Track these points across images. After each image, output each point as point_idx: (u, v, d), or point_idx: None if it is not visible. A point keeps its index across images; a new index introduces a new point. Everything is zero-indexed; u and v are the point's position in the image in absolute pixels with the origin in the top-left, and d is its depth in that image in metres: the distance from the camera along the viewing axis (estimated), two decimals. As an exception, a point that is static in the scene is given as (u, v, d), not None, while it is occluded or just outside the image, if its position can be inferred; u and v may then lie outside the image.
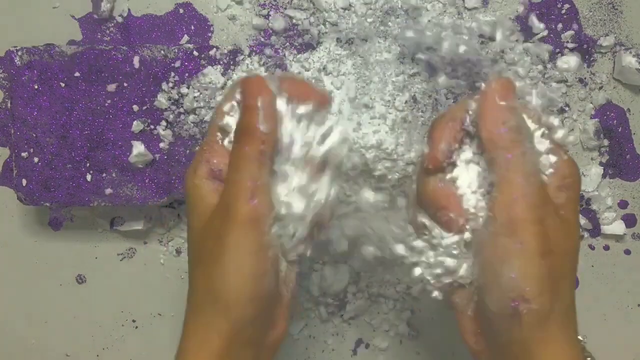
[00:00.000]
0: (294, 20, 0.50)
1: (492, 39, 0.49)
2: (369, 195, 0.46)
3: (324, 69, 0.48)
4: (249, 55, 0.49)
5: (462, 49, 0.47)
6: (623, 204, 0.54)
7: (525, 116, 0.34)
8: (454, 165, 0.35)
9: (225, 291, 0.33)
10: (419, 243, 0.36)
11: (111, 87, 0.49)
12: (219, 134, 0.36)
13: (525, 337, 0.32)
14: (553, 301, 0.31)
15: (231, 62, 0.48)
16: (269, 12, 0.51)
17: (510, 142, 0.32)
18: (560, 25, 0.51)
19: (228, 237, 0.33)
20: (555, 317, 0.32)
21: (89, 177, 0.49)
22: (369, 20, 0.49)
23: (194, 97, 0.49)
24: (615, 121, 0.53)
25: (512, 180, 0.32)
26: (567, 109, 0.51)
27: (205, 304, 0.34)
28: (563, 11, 0.51)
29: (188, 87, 0.49)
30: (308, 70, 0.48)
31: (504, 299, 0.31)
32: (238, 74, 0.48)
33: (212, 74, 0.48)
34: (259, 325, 0.34)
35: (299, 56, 0.49)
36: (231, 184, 0.33)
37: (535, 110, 0.35)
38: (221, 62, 0.48)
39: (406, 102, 0.49)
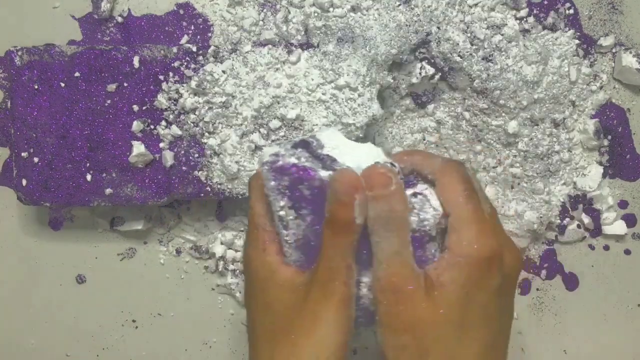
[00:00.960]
0: (293, 20, 0.50)
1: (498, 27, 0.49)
2: None
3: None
4: (249, 54, 0.49)
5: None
6: (623, 204, 0.54)
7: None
8: None
9: (318, 357, 0.36)
10: None
11: (111, 87, 0.49)
12: (263, 220, 0.40)
13: None
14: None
15: (232, 61, 0.49)
16: (268, 11, 0.51)
17: (372, 229, 0.36)
18: (560, 25, 0.51)
19: (325, 313, 0.36)
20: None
21: (89, 177, 0.49)
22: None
23: (194, 98, 0.49)
24: (615, 121, 0.53)
25: (373, 262, 0.37)
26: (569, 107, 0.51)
27: None
28: (563, 11, 0.51)
29: (188, 87, 0.49)
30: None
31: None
32: (238, 72, 0.48)
33: (213, 73, 0.48)
34: None
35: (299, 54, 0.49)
36: (327, 270, 0.37)
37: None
38: (221, 62, 0.48)
39: None
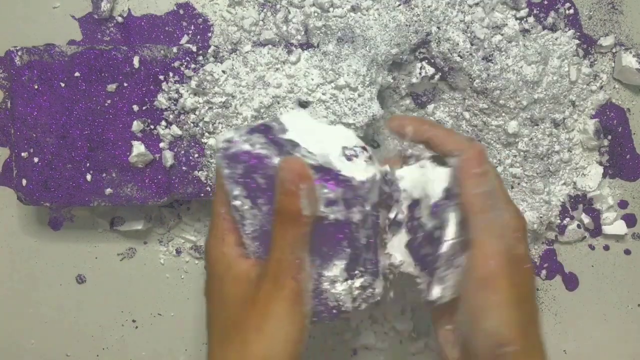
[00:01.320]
0: (293, 20, 0.50)
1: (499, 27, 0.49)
2: None
3: None
4: (249, 54, 0.49)
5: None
6: (623, 204, 0.54)
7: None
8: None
9: (269, 355, 0.36)
10: None
11: (111, 87, 0.49)
12: (223, 209, 0.39)
13: None
14: (530, 341, 0.36)
15: (232, 61, 0.49)
16: (268, 11, 0.51)
17: (485, 206, 0.36)
18: (560, 25, 0.51)
19: (275, 308, 0.36)
20: (533, 354, 0.36)
21: (89, 177, 0.49)
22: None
23: (194, 98, 0.49)
24: (615, 121, 0.53)
25: (486, 241, 0.36)
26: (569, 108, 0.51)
27: None
28: (563, 11, 0.51)
29: (188, 87, 0.49)
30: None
31: (488, 344, 0.36)
32: (238, 72, 0.48)
33: (213, 73, 0.48)
34: None
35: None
36: (276, 262, 0.36)
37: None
38: (221, 62, 0.48)
39: None
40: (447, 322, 0.40)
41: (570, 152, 0.52)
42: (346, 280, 0.38)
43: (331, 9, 0.49)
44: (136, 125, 0.49)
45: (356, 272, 0.38)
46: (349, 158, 0.38)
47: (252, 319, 0.36)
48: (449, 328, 0.40)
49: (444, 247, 0.38)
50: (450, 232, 0.38)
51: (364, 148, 0.39)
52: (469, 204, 0.37)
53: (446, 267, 0.38)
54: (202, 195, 0.49)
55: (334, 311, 0.38)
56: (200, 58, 0.48)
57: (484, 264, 0.36)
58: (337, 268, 0.38)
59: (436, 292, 0.38)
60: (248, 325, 0.36)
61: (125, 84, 0.49)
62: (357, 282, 0.38)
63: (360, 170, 0.37)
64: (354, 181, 0.36)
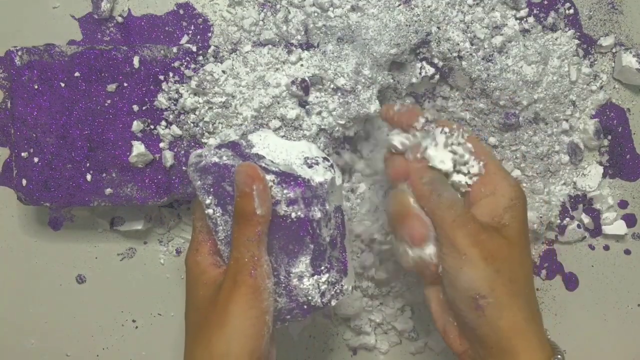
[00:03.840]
0: (294, 20, 0.50)
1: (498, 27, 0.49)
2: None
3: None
4: (249, 54, 0.49)
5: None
6: (623, 204, 0.54)
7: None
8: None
9: (225, 354, 0.38)
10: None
11: (111, 87, 0.49)
12: (199, 222, 0.43)
13: (493, 328, 0.38)
14: (509, 296, 0.38)
15: (232, 61, 0.48)
16: (268, 11, 0.51)
17: (427, 191, 0.40)
18: (560, 25, 0.51)
19: (233, 305, 0.38)
20: (516, 310, 0.38)
21: (89, 177, 0.49)
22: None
23: (194, 98, 0.49)
24: (615, 121, 0.53)
25: (439, 214, 0.40)
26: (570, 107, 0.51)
27: None
28: (563, 11, 0.51)
29: (188, 87, 0.49)
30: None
31: (465, 297, 0.39)
32: (238, 72, 0.48)
33: (213, 73, 0.48)
34: None
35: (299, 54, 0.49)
36: (234, 261, 0.39)
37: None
38: (221, 62, 0.48)
39: None
40: (437, 290, 0.42)
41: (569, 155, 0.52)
42: (312, 275, 0.41)
43: (331, 9, 0.49)
44: (136, 125, 0.49)
45: (322, 267, 0.41)
46: (310, 166, 0.42)
47: (214, 317, 0.39)
48: (440, 297, 0.42)
49: None
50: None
51: (325, 158, 0.43)
52: (417, 194, 0.41)
53: None
54: (202, 195, 0.49)
55: (305, 307, 0.41)
56: (200, 58, 0.48)
57: (445, 235, 0.39)
58: (302, 264, 0.40)
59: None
60: (211, 324, 0.39)
61: (125, 84, 0.49)
62: (324, 277, 0.41)
63: (319, 174, 0.41)
64: (313, 182, 0.40)
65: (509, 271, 0.39)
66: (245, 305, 0.38)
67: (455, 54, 0.49)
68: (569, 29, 0.51)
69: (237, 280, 0.38)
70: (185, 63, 0.48)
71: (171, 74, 0.49)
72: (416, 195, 0.41)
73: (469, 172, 0.42)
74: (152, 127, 0.49)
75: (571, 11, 0.52)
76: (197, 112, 0.49)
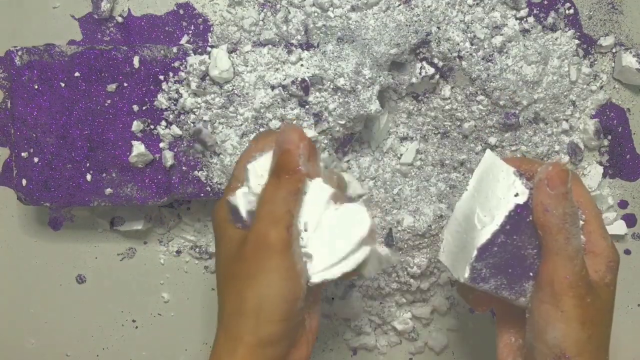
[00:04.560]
0: (293, 20, 0.50)
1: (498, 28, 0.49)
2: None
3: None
4: (249, 54, 0.49)
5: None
6: (623, 204, 0.54)
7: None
8: None
9: (257, 310, 0.36)
10: None
11: (111, 87, 0.49)
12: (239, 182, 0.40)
13: None
14: None
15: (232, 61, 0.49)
16: (268, 11, 0.51)
17: (557, 228, 0.37)
18: (560, 25, 0.51)
19: (264, 261, 0.36)
20: None
21: (89, 177, 0.49)
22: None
23: (194, 98, 0.49)
24: (615, 121, 0.53)
25: (555, 261, 0.37)
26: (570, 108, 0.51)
27: (236, 319, 0.37)
28: (563, 11, 0.51)
29: (188, 87, 0.49)
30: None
31: (549, 352, 0.37)
32: (239, 69, 0.48)
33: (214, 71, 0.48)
34: (283, 346, 0.37)
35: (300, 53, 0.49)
36: (268, 214, 0.37)
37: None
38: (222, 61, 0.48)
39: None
40: (512, 333, 0.41)
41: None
42: None
43: (331, 9, 0.49)
44: (136, 125, 0.49)
45: None
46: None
47: (246, 272, 0.37)
48: (512, 341, 0.41)
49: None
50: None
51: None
52: (538, 225, 0.38)
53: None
54: (202, 195, 0.49)
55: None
56: (200, 58, 0.48)
57: (551, 283, 0.37)
58: None
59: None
60: (242, 277, 0.37)
61: (125, 84, 0.49)
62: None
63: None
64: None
65: (598, 338, 0.38)
66: (280, 262, 0.36)
67: (455, 54, 0.49)
68: (569, 29, 0.51)
69: (270, 234, 0.36)
70: (184, 63, 0.48)
71: (171, 74, 0.49)
72: (537, 216, 0.37)
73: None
74: (152, 127, 0.49)
75: (571, 11, 0.52)
76: (197, 112, 0.49)
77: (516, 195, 0.38)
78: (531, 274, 0.38)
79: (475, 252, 0.38)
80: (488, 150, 0.41)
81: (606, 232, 0.40)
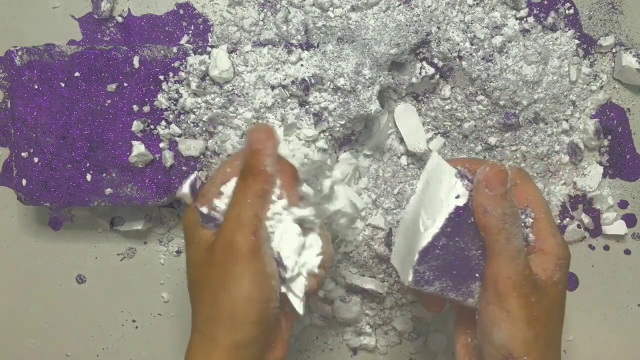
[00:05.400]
0: (293, 20, 0.50)
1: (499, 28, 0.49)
2: None
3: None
4: (249, 54, 0.49)
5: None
6: (623, 204, 0.54)
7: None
8: None
9: (231, 313, 0.36)
10: None
11: (111, 87, 0.49)
12: (213, 188, 0.40)
13: None
14: None
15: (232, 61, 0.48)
16: (268, 11, 0.51)
17: (497, 228, 0.36)
18: (560, 25, 0.51)
19: (234, 265, 0.36)
20: None
21: (89, 177, 0.49)
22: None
23: (194, 98, 0.49)
24: (615, 121, 0.53)
25: (498, 262, 0.36)
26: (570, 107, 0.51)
27: (211, 323, 0.37)
28: (563, 11, 0.51)
29: (188, 87, 0.49)
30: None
31: (497, 353, 0.37)
32: (239, 69, 0.48)
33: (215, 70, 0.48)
34: (259, 347, 0.38)
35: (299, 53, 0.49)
36: (235, 218, 0.37)
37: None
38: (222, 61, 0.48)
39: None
40: (468, 334, 0.41)
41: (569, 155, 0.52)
42: None
43: (331, 9, 0.49)
44: (136, 125, 0.49)
45: None
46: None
47: (217, 278, 0.37)
48: (469, 341, 0.41)
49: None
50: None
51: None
52: (479, 226, 0.37)
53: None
54: (202, 195, 0.49)
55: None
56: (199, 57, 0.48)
57: (495, 284, 0.37)
58: None
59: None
60: (214, 284, 0.37)
61: (125, 84, 0.49)
62: None
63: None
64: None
65: (546, 337, 0.37)
66: (248, 266, 0.36)
67: (455, 54, 0.49)
68: (569, 29, 0.51)
69: (237, 239, 0.36)
70: (184, 63, 0.48)
71: (171, 74, 0.49)
72: (477, 217, 0.37)
73: (524, 224, 0.39)
74: (152, 127, 0.49)
75: (571, 11, 0.52)
76: (197, 112, 0.49)
77: (457, 197, 0.38)
78: (477, 275, 0.38)
79: (417, 256, 0.38)
80: (434, 152, 0.41)
81: (556, 229, 0.39)
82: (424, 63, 0.50)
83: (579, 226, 0.53)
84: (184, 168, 0.49)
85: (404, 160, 0.52)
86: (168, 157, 0.49)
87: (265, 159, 0.37)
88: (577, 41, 0.51)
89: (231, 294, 0.36)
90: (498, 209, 0.36)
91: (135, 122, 0.49)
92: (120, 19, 0.52)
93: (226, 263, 0.37)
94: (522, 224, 0.39)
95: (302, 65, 0.48)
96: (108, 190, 0.49)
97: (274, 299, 0.37)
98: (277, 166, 0.38)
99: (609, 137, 0.53)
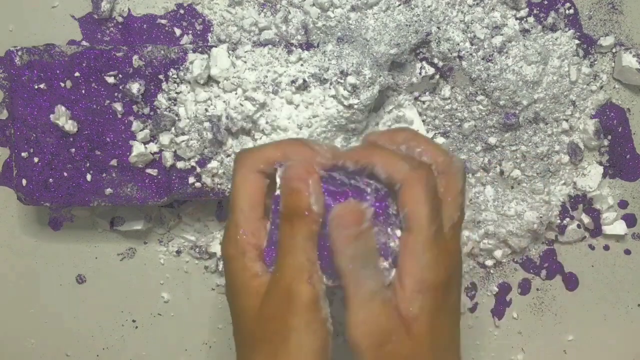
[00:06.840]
0: (294, 20, 0.50)
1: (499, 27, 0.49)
2: None
3: None
4: (249, 54, 0.49)
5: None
6: (623, 204, 0.54)
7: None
8: None
9: None
10: None
11: (111, 87, 0.49)
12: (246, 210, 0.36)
13: None
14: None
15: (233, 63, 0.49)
16: (268, 11, 0.51)
17: (345, 270, 0.33)
18: (560, 25, 0.51)
19: (294, 319, 0.33)
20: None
21: (89, 177, 0.49)
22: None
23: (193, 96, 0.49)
24: (615, 121, 0.53)
25: (348, 307, 0.33)
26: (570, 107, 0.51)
27: None
28: (563, 11, 0.51)
29: (188, 86, 0.49)
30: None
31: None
32: (239, 68, 0.48)
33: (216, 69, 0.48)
34: None
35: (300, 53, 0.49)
36: (287, 267, 0.34)
37: None
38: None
39: None
40: None
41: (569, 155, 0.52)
42: None
43: (331, 9, 0.49)
44: (136, 125, 0.49)
45: None
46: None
47: (275, 332, 0.34)
48: None
49: None
50: None
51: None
52: (334, 263, 0.34)
53: None
54: (202, 195, 0.49)
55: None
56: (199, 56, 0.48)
57: (349, 328, 0.34)
58: None
59: None
60: (273, 338, 0.34)
61: (126, 84, 0.49)
62: None
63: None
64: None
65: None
66: (308, 316, 0.33)
67: (455, 54, 0.49)
68: (569, 29, 0.51)
69: (293, 289, 0.33)
70: (184, 63, 0.48)
71: (171, 74, 0.49)
72: (335, 255, 0.33)
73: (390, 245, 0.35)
74: (152, 127, 0.49)
75: (571, 11, 0.52)
76: (197, 112, 0.49)
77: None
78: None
79: None
80: None
81: (429, 245, 0.33)
82: (424, 63, 0.50)
83: (579, 226, 0.53)
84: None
85: None
86: (168, 157, 0.49)
87: (309, 198, 0.33)
88: (577, 41, 0.51)
89: (292, 346, 0.34)
90: (348, 250, 0.33)
91: (135, 122, 0.49)
92: (120, 19, 0.52)
93: (285, 316, 0.34)
94: (385, 252, 0.34)
95: (302, 65, 0.48)
96: (108, 190, 0.49)
97: (330, 343, 0.35)
98: (323, 200, 0.34)
99: (609, 137, 0.53)
